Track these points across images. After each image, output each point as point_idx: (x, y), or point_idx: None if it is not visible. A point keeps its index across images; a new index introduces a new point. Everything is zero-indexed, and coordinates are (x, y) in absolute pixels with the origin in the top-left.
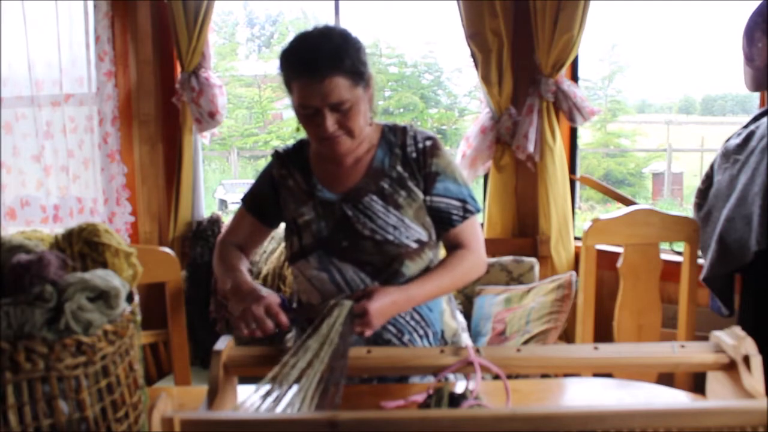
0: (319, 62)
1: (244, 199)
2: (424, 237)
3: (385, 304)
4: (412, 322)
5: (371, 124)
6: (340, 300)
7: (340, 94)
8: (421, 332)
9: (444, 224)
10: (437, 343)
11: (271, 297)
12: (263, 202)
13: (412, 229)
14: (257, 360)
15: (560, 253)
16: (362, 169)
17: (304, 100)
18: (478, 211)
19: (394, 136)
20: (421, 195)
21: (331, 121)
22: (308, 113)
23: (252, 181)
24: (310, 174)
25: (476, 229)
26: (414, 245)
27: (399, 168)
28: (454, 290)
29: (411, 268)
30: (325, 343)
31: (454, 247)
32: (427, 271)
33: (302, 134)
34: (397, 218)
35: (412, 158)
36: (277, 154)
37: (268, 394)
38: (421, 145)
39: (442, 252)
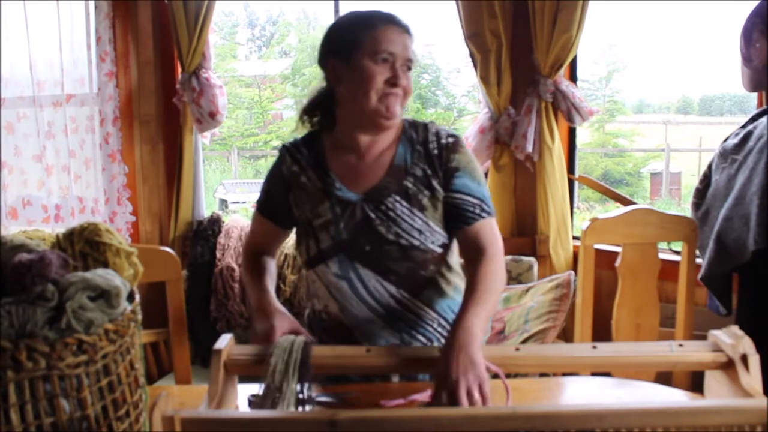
0: (398, 18)
1: (257, 202)
2: (447, 240)
3: (467, 371)
4: (440, 329)
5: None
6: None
7: (411, 51)
8: None
9: (457, 222)
10: None
11: (293, 325)
12: (277, 205)
13: (437, 233)
14: (257, 359)
15: (559, 252)
16: (384, 166)
17: (386, 45)
18: (493, 214)
19: (415, 133)
20: (443, 194)
21: (403, 76)
22: (382, 63)
23: (252, 180)
24: (326, 170)
25: (496, 232)
26: (439, 250)
27: (422, 165)
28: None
29: (434, 271)
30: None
31: (472, 248)
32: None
33: (299, 133)
34: (422, 221)
35: (434, 155)
36: (286, 149)
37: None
38: (444, 141)
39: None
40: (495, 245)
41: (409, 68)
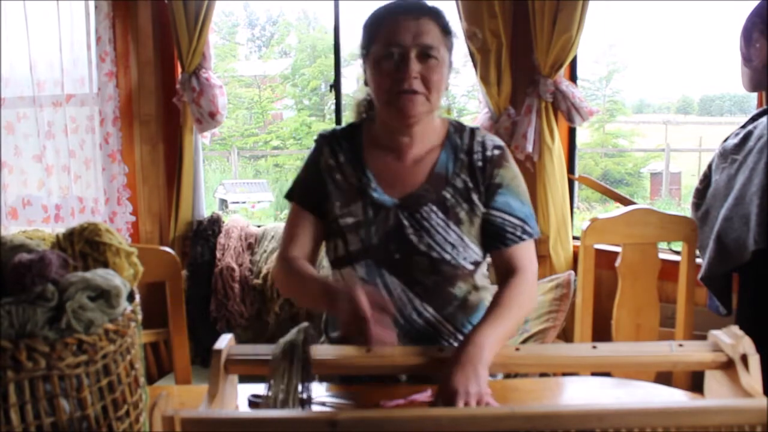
0: (416, 4)
1: (293, 196)
2: (480, 258)
3: (469, 383)
4: (458, 342)
5: (441, 116)
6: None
7: (431, 37)
8: None
9: (495, 241)
10: None
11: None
12: (317, 195)
13: (470, 249)
14: (257, 359)
15: (559, 252)
16: (424, 172)
17: (392, 37)
18: (537, 236)
19: (460, 139)
20: (482, 209)
21: (416, 67)
22: (389, 59)
23: (252, 180)
24: (363, 168)
25: (532, 255)
26: (470, 267)
27: (464, 176)
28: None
29: (462, 289)
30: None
31: (504, 268)
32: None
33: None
34: (456, 236)
35: (477, 167)
36: (324, 139)
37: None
38: (489, 153)
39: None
40: (529, 268)
41: (429, 56)
